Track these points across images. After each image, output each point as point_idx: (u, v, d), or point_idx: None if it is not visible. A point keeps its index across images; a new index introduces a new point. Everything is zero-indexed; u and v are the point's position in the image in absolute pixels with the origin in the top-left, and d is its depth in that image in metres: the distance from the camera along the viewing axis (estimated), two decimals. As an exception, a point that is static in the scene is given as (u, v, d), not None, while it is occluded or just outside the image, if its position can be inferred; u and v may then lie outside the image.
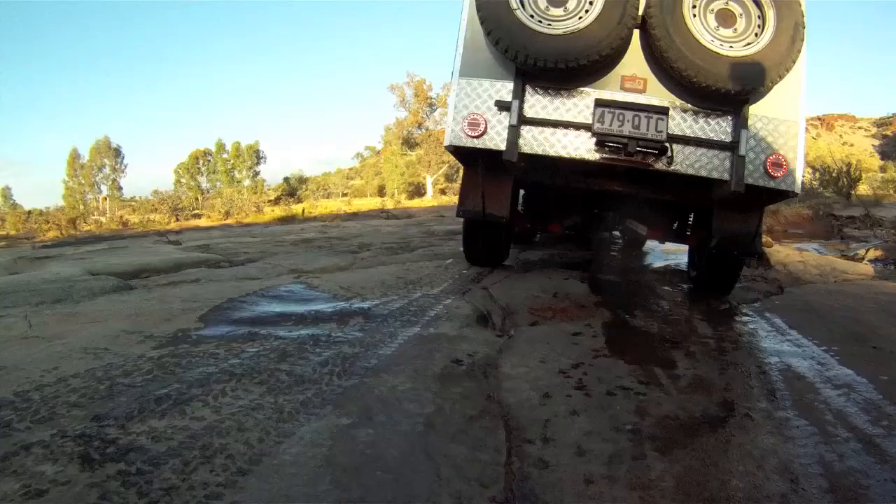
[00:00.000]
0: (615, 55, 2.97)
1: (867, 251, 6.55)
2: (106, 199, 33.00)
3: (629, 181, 3.42)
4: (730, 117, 3.00)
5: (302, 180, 42.28)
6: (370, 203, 22.37)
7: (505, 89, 3.13)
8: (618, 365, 2.32)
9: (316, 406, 1.76)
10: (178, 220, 23.67)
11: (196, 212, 26.34)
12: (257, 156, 41.22)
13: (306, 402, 1.79)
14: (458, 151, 3.38)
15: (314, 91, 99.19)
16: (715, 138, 3.01)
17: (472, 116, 3.15)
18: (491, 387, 2.08)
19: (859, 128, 36.01)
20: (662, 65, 2.93)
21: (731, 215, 3.32)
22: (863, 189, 13.04)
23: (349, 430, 1.63)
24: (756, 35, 2.84)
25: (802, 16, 2.86)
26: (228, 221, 19.90)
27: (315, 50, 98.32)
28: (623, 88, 3.06)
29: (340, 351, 2.30)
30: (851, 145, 29.64)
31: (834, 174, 11.66)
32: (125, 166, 36.97)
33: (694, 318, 3.15)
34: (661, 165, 3.03)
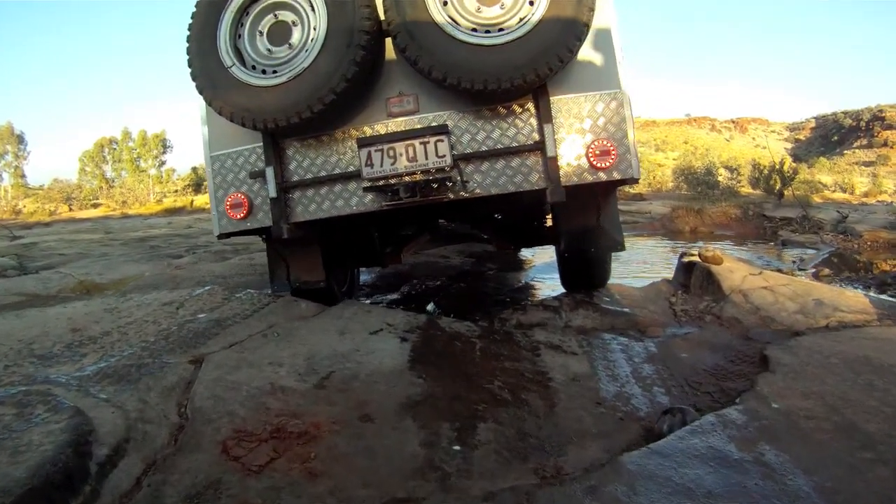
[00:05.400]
0: (358, 84, 2.34)
1: (820, 266, 5.37)
2: (7, 187, 33.33)
3: (447, 210, 2.87)
4: (531, 113, 2.40)
5: (209, 171, 40.08)
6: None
7: (256, 155, 2.58)
8: None
9: None
10: (70, 209, 23.89)
11: (95, 201, 26.26)
12: (164, 145, 39.36)
13: None
14: (234, 236, 2.82)
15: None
16: (515, 144, 2.41)
17: (233, 197, 2.61)
18: None
19: (772, 131, 37.10)
20: (423, 75, 2.29)
21: (573, 214, 2.86)
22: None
23: None
24: (531, 3, 2.16)
25: None
26: (114, 213, 20.20)
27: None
28: (391, 114, 2.49)
29: None
30: (765, 148, 30.10)
31: (765, 172, 10.60)
32: (28, 153, 36.82)
33: (601, 475, 1.39)
34: (457, 194, 2.46)
